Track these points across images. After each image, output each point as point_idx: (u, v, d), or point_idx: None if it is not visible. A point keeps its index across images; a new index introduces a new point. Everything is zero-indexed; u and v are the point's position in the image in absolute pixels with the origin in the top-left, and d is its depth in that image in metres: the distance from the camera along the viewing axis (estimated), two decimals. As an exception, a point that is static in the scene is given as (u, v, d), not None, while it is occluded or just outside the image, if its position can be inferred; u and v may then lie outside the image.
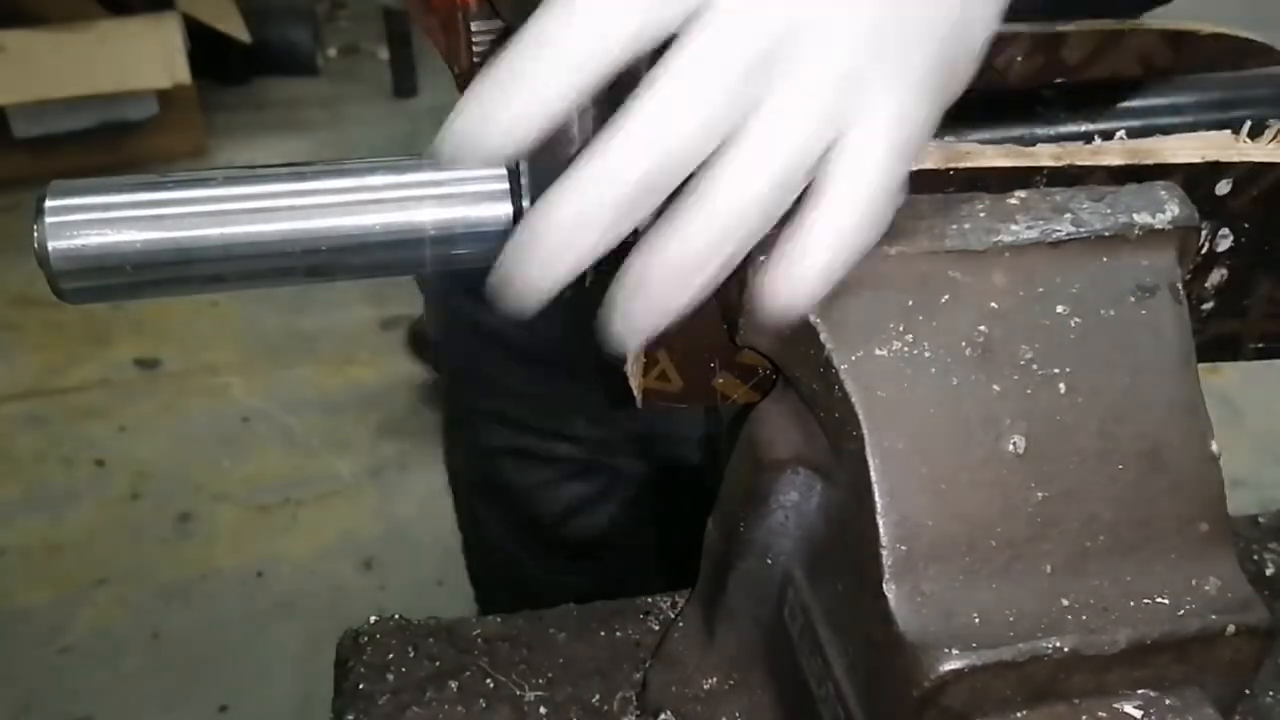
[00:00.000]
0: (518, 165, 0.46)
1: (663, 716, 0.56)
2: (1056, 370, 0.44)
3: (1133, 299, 0.46)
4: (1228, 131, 0.51)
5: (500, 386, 1.16)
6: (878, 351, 0.44)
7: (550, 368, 1.08)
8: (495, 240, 0.46)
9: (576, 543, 1.23)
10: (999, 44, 0.48)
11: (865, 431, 0.43)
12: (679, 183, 0.40)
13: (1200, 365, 0.47)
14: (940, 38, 0.41)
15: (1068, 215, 0.46)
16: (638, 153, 0.39)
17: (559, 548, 1.24)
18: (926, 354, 0.44)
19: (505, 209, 0.46)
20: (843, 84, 0.39)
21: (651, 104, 0.39)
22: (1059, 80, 0.54)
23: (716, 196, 0.39)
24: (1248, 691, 0.46)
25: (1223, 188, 0.50)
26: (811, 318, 0.44)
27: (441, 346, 1.24)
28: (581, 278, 0.48)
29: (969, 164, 0.47)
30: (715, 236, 0.40)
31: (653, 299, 0.41)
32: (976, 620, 0.42)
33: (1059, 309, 0.45)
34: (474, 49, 0.57)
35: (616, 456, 1.18)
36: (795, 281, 0.41)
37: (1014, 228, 0.46)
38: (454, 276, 0.46)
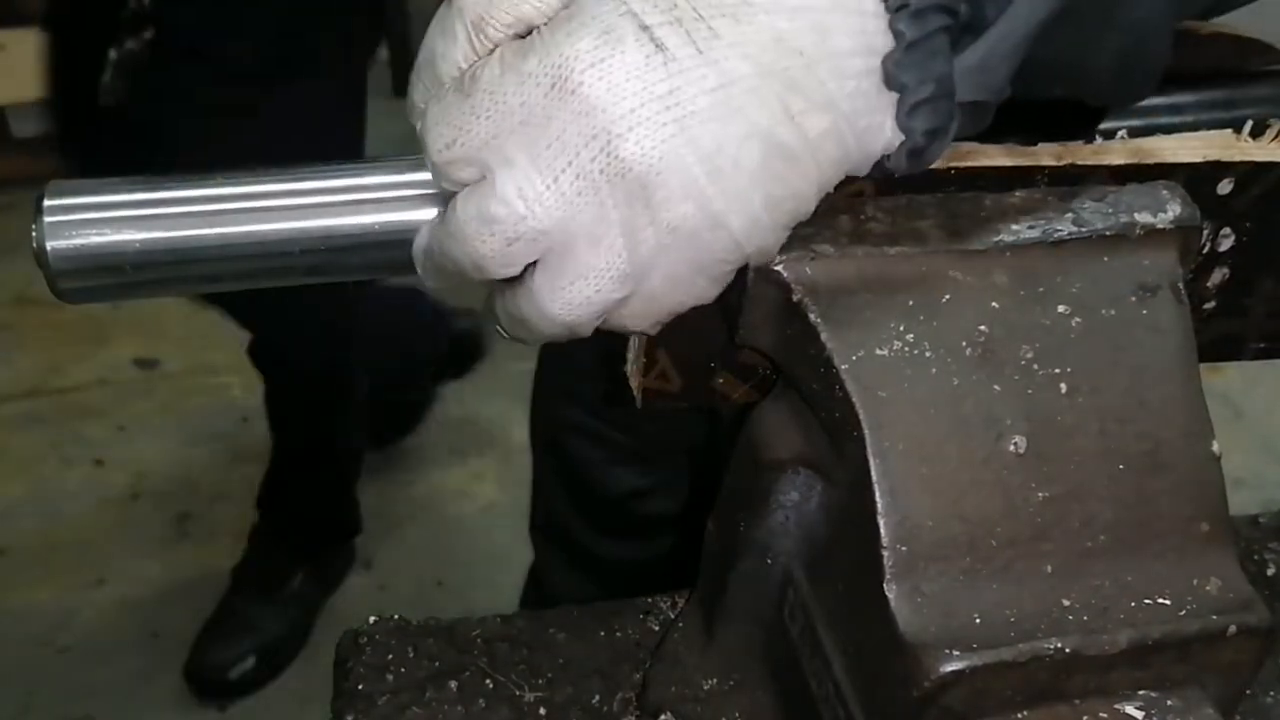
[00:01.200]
0: None
1: (663, 717, 0.56)
2: (1057, 370, 0.44)
3: (1134, 299, 0.46)
4: (1229, 131, 0.51)
5: (573, 362, 1.21)
6: (878, 351, 0.44)
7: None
8: None
9: (635, 523, 1.25)
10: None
11: (865, 431, 0.43)
12: None
13: (1201, 365, 0.47)
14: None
15: (1069, 215, 0.46)
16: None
17: (619, 525, 1.26)
18: (927, 354, 0.44)
19: None
20: None
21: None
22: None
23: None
24: (1248, 691, 0.46)
25: (1224, 187, 0.50)
26: (812, 317, 0.44)
27: None
28: None
29: (970, 163, 0.47)
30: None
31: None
32: (977, 620, 0.42)
33: (1060, 309, 0.45)
34: None
35: (673, 454, 1.21)
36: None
37: (1015, 227, 0.46)
38: None
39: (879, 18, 0.41)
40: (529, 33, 0.42)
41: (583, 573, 1.32)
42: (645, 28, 0.39)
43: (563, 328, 0.44)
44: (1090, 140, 0.50)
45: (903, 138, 0.42)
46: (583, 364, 1.20)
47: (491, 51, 0.42)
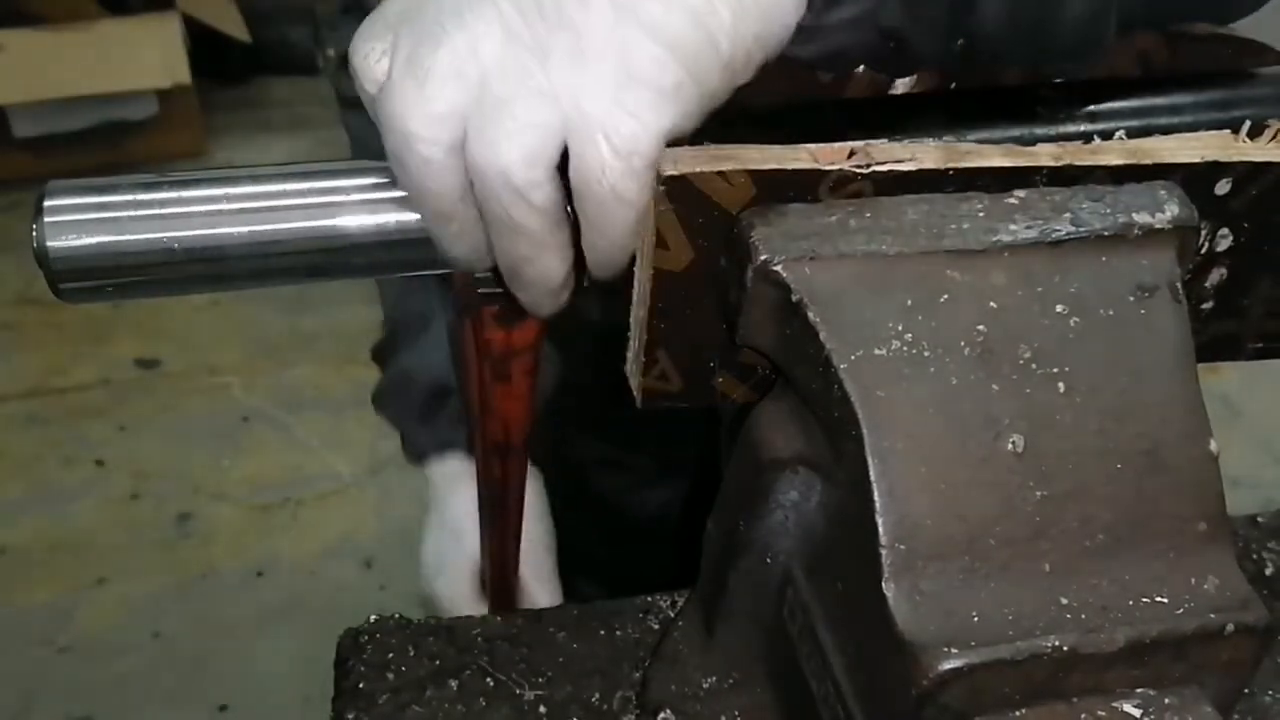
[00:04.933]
0: None
1: (662, 715, 0.56)
2: (1056, 370, 0.44)
3: (1132, 299, 0.46)
4: (1227, 131, 0.51)
5: (585, 391, 1.19)
6: (877, 351, 0.44)
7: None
8: None
9: (636, 520, 1.24)
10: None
11: (865, 431, 0.43)
12: None
13: (1200, 365, 0.47)
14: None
15: (1067, 215, 0.46)
16: None
17: (651, 543, 1.25)
18: (926, 353, 0.44)
19: None
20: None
21: None
22: (1059, 80, 0.54)
23: None
24: (1246, 690, 0.46)
25: (1222, 187, 0.50)
26: (811, 317, 0.44)
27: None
28: (578, 280, 0.48)
29: (968, 163, 0.47)
30: None
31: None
32: (975, 619, 0.42)
33: (1058, 308, 0.45)
34: None
35: (691, 468, 1.20)
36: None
37: (1013, 227, 0.46)
38: None
39: None
40: None
41: (584, 577, 1.31)
42: None
43: (507, 177, 0.41)
44: (1088, 140, 0.50)
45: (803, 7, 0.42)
46: (590, 396, 1.18)
47: None
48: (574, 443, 1.23)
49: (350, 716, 0.59)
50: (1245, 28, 0.56)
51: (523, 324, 0.58)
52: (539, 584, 0.87)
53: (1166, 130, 0.51)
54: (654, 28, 0.40)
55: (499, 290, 0.49)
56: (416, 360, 1.07)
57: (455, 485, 0.85)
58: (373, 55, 0.43)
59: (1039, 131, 0.51)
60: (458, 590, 0.87)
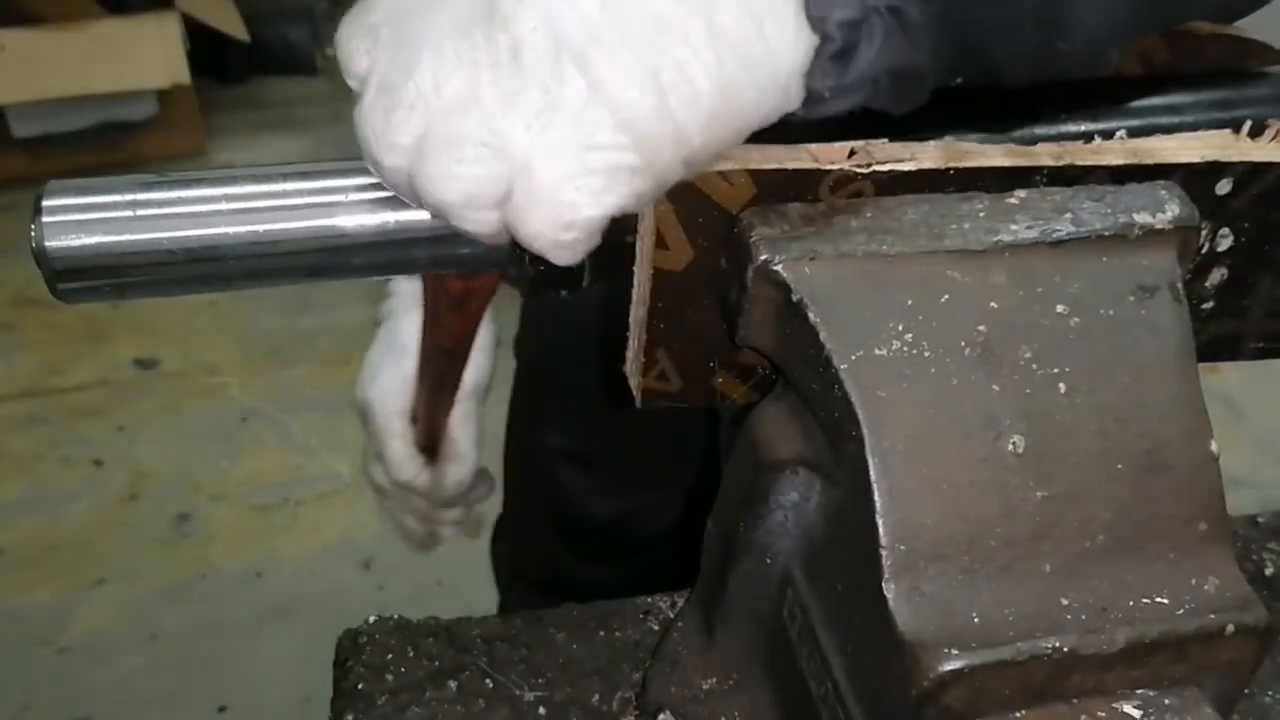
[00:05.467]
0: None
1: (662, 716, 0.56)
2: (1056, 370, 0.44)
3: (1133, 299, 0.46)
4: (1228, 131, 0.51)
5: (557, 384, 1.20)
6: (878, 351, 0.44)
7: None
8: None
9: (623, 547, 1.24)
10: None
11: (865, 431, 0.43)
12: None
13: (1200, 365, 0.47)
14: None
15: (1068, 215, 0.46)
16: None
17: (606, 551, 1.24)
18: (926, 354, 0.44)
19: None
20: None
21: None
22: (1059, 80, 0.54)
23: None
24: (1247, 691, 0.46)
25: (1223, 187, 0.50)
26: (811, 317, 0.44)
27: (519, 342, 1.26)
28: (579, 276, 0.48)
29: (969, 163, 0.47)
30: None
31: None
32: (976, 620, 0.42)
33: (1059, 308, 0.45)
34: None
35: (667, 467, 1.19)
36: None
37: (1014, 227, 0.46)
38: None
39: None
40: None
41: (561, 600, 1.30)
42: None
43: (445, 207, 0.42)
44: (1089, 140, 0.50)
45: (816, 40, 0.41)
46: (567, 386, 1.17)
47: None
48: (539, 431, 1.23)
49: (350, 717, 0.59)
50: (1246, 27, 0.56)
51: (483, 277, 0.59)
52: (461, 434, 0.89)
53: (1167, 130, 0.51)
54: (624, 115, 0.40)
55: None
56: None
57: (407, 306, 0.86)
58: (356, 51, 0.43)
59: (1039, 131, 0.51)
60: (388, 405, 0.87)
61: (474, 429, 0.90)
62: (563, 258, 0.42)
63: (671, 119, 0.40)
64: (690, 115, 0.41)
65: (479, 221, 0.42)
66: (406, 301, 0.87)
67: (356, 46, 0.43)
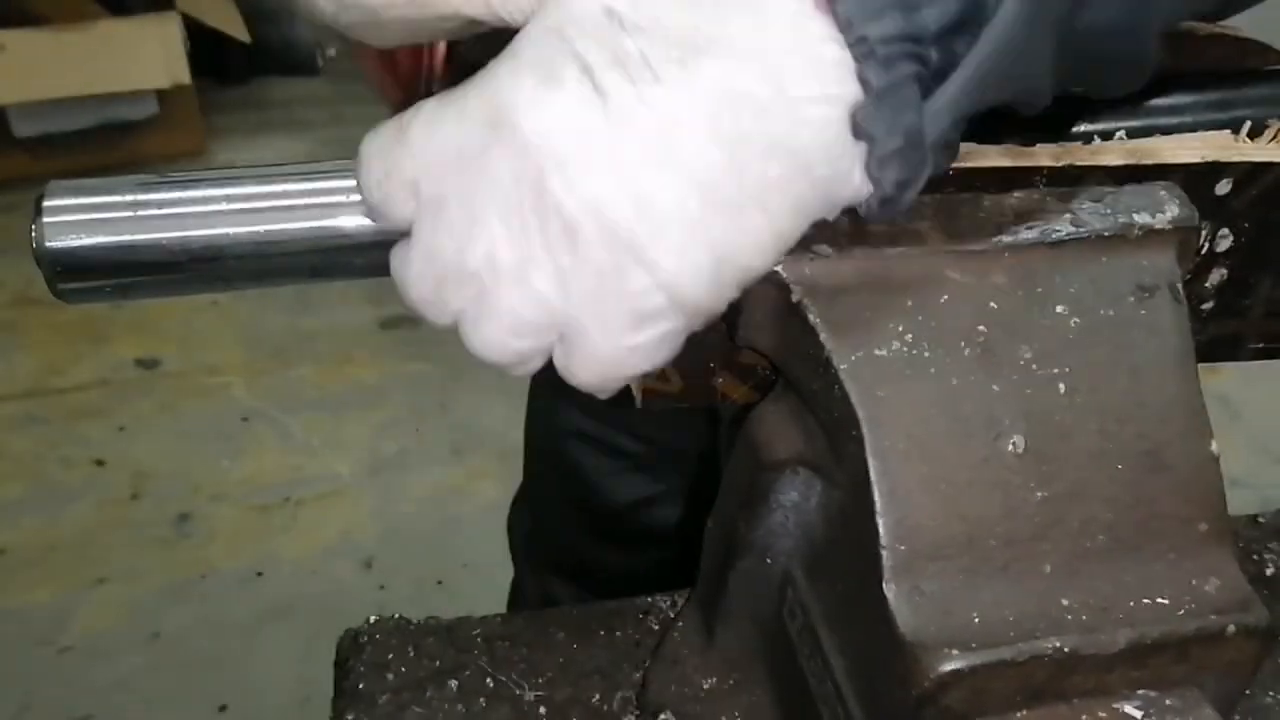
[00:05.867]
0: None
1: (662, 716, 0.56)
2: (1056, 370, 0.44)
3: (1132, 299, 0.46)
4: (1227, 131, 0.51)
5: None
6: (877, 351, 0.44)
7: None
8: None
9: (639, 533, 1.23)
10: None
11: (865, 431, 0.43)
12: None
13: (1200, 365, 0.47)
14: None
15: (1067, 215, 0.46)
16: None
17: (622, 535, 1.24)
18: (926, 354, 0.44)
19: None
20: None
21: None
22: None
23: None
24: (1247, 691, 0.46)
25: (1222, 188, 0.50)
26: (811, 317, 0.44)
27: None
28: None
29: (969, 164, 0.47)
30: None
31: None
32: (976, 620, 0.42)
33: (1059, 309, 0.45)
34: None
35: (680, 461, 1.19)
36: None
37: (1013, 228, 0.46)
38: None
39: (842, 64, 0.39)
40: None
41: (577, 584, 1.30)
42: (587, 69, 0.39)
43: (494, 365, 0.43)
44: (1088, 141, 0.50)
45: (871, 187, 0.41)
46: None
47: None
48: (555, 411, 1.22)
49: (350, 717, 0.59)
50: (1246, 27, 0.56)
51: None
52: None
53: (1167, 130, 0.51)
54: (676, 294, 0.40)
55: None
56: None
57: None
58: (394, 199, 0.43)
59: (1037, 126, 0.51)
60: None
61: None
62: (603, 392, 0.44)
63: (723, 291, 0.41)
64: (742, 282, 0.42)
65: (523, 370, 0.44)
66: None
67: (394, 194, 0.42)
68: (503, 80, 0.40)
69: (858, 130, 0.39)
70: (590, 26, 0.39)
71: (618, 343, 0.41)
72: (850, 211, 0.42)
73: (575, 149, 0.39)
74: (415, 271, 0.42)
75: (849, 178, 0.41)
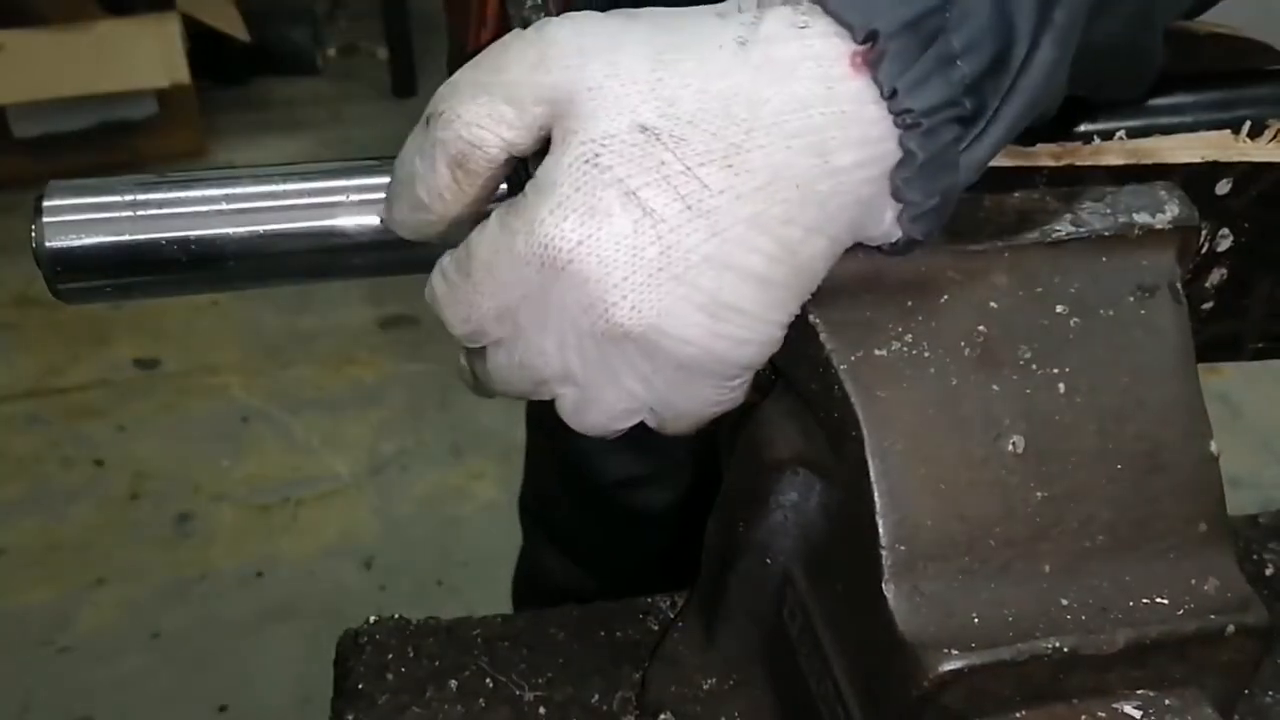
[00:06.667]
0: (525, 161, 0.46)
1: (663, 716, 0.56)
2: (1056, 370, 0.44)
3: (1132, 299, 0.46)
4: (1227, 131, 0.51)
5: None
6: (877, 351, 0.44)
7: None
8: None
9: (624, 514, 1.23)
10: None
11: (865, 432, 0.43)
12: None
13: (1200, 365, 0.47)
14: None
15: (1067, 215, 0.46)
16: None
17: (608, 513, 1.24)
18: (926, 354, 0.44)
19: None
20: None
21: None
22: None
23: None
24: (1247, 691, 0.46)
25: (1222, 187, 0.50)
26: (811, 318, 0.44)
27: None
28: None
29: (968, 164, 0.47)
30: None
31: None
32: (976, 620, 0.42)
33: (1058, 309, 0.45)
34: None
35: (672, 444, 1.19)
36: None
37: (1014, 227, 0.46)
38: None
39: (881, 123, 0.39)
40: (513, 163, 0.43)
41: (570, 559, 1.30)
42: (631, 193, 0.39)
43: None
44: (1088, 141, 0.50)
45: (900, 233, 0.42)
46: None
47: (484, 213, 0.43)
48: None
49: (350, 717, 0.59)
50: (1246, 27, 0.56)
51: None
52: None
53: (1167, 130, 0.51)
54: (734, 373, 0.43)
55: None
56: None
57: None
58: (474, 339, 0.45)
59: (1039, 131, 0.51)
60: None
61: None
62: (692, 433, 0.48)
63: (780, 340, 0.44)
64: (789, 323, 0.44)
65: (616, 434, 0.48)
66: None
67: (473, 335, 0.45)
68: (545, 220, 0.40)
69: (897, 194, 0.40)
70: (625, 148, 0.39)
71: (703, 407, 0.45)
72: None
73: (633, 273, 0.40)
74: (509, 375, 0.45)
75: (880, 223, 0.42)
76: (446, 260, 0.44)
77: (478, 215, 0.44)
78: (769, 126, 0.39)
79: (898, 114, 0.39)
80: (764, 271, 0.40)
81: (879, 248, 0.43)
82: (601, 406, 0.44)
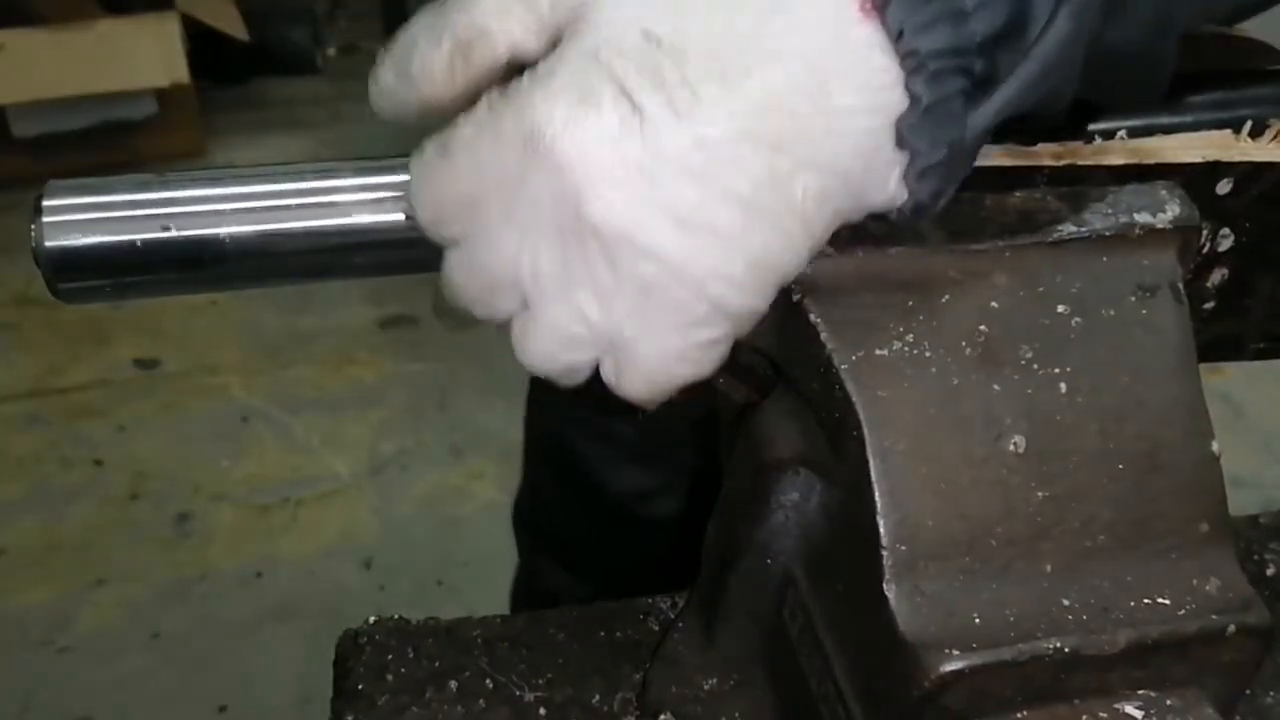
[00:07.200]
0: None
1: (663, 717, 0.56)
2: (1057, 370, 0.44)
3: (1133, 298, 0.46)
4: (1228, 131, 0.51)
5: None
6: (878, 351, 0.44)
7: None
8: None
9: (638, 526, 1.23)
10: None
11: (865, 431, 0.43)
12: None
13: (1201, 365, 0.47)
14: None
15: (1068, 214, 0.46)
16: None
17: (621, 527, 1.24)
18: (927, 354, 0.44)
19: None
20: None
21: None
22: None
23: None
24: (1248, 691, 0.46)
25: (1223, 187, 0.50)
26: (812, 317, 0.44)
27: None
28: None
29: (969, 163, 0.47)
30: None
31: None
32: (977, 620, 0.42)
33: (1059, 308, 0.45)
34: None
35: (678, 452, 1.18)
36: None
37: (1015, 227, 0.46)
38: None
39: (888, 72, 0.39)
40: (512, 66, 0.42)
41: (568, 568, 1.30)
42: (625, 91, 0.39)
43: (543, 374, 0.44)
44: (1089, 140, 0.50)
45: (906, 195, 0.41)
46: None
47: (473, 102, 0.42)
48: (560, 406, 1.22)
49: (349, 717, 0.59)
50: (1246, 27, 0.56)
51: None
52: None
53: (1168, 130, 0.51)
54: (718, 303, 0.41)
55: None
56: None
57: None
58: (444, 221, 0.43)
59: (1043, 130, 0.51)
60: None
61: None
62: (651, 401, 0.45)
63: (763, 297, 0.42)
64: (779, 283, 0.42)
65: (571, 380, 0.45)
66: None
67: (444, 214, 0.43)
68: (537, 104, 0.40)
69: (901, 141, 0.40)
70: (628, 49, 0.39)
71: (664, 354, 0.42)
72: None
73: (612, 169, 0.39)
74: (464, 278, 0.43)
75: (885, 185, 0.41)
76: (428, 143, 0.43)
77: (455, 109, 0.43)
78: (772, 55, 0.39)
79: (904, 56, 0.39)
80: (748, 195, 0.39)
81: (886, 223, 0.42)
82: (551, 326, 0.42)
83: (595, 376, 0.45)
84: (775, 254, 0.41)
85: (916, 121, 0.39)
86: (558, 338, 0.42)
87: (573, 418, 1.21)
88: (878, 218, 0.43)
